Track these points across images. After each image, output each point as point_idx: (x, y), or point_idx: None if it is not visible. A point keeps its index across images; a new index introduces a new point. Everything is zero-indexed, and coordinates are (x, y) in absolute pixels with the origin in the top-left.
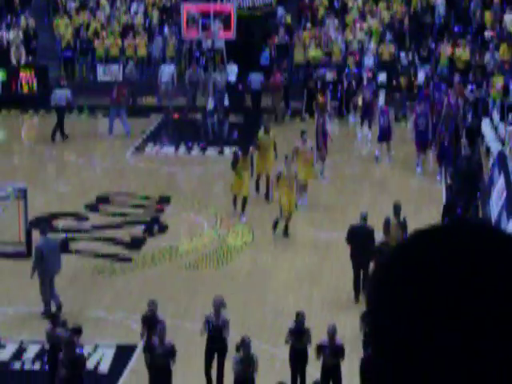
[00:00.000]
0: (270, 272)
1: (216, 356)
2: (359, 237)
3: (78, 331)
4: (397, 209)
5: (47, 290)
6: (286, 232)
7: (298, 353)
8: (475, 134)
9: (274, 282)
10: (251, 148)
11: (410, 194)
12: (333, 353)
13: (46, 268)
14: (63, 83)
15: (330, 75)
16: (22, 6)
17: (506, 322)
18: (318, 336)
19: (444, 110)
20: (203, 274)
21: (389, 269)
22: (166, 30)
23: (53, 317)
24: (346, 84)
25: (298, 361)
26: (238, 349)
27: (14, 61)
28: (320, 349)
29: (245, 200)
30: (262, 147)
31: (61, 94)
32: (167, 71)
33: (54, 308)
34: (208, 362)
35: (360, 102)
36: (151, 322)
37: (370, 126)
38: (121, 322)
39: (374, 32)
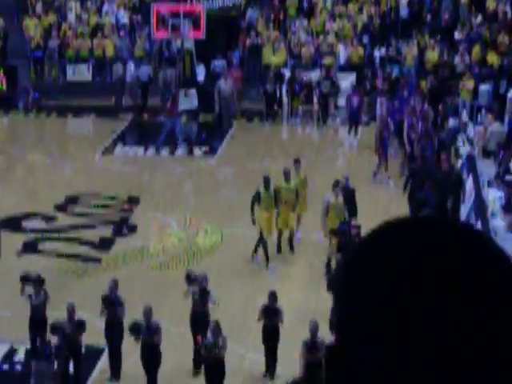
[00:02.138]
0: (240, 272)
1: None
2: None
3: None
4: None
5: None
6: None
7: (270, 331)
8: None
9: (244, 282)
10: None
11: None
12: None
13: None
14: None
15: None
16: None
17: (472, 323)
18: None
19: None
20: (172, 274)
21: (354, 263)
22: (136, 30)
23: None
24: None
25: (270, 338)
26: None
27: None
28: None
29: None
30: (283, 199)
31: (218, 62)
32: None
33: None
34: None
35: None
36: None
37: (356, 133)
38: (88, 323)
39: (344, 34)
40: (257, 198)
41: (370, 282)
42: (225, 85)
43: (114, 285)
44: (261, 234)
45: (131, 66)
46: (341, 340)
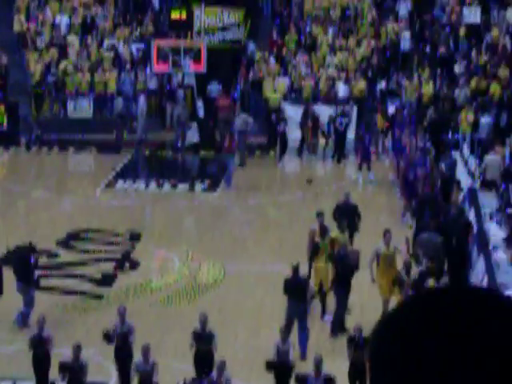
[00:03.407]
0: (242, 307)
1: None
2: (344, 212)
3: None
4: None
5: None
6: None
7: (201, 356)
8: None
9: (247, 318)
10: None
11: None
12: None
13: None
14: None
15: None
16: None
17: None
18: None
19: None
20: (175, 310)
21: (385, 331)
22: (137, 65)
23: None
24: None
25: (202, 364)
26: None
27: None
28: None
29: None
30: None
31: (213, 87)
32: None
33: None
34: (198, 373)
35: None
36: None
37: (369, 169)
38: (92, 359)
39: (345, 67)
40: (316, 249)
41: (396, 360)
42: (238, 118)
43: (124, 311)
44: (321, 286)
45: (142, 99)
46: None
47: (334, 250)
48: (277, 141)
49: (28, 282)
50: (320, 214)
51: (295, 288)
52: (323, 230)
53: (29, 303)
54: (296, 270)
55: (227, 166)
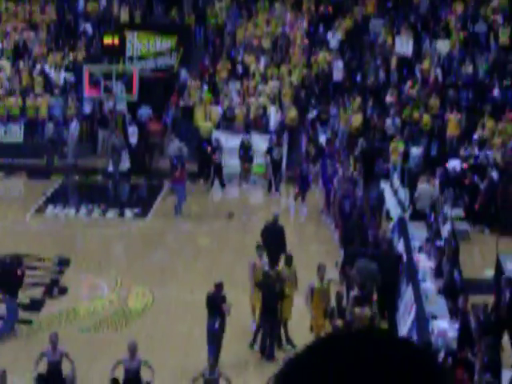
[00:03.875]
0: (170, 334)
1: None
2: (271, 234)
3: None
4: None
5: None
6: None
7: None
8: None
9: (175, 345)
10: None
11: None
12: None
13: None
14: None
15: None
16: None
17: None
18: None
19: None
20: (103, 336)
21: (288, 376)
22: (68, 90)
23: None
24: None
25: None
26: None
27: None
28: None
29: (285, 324)
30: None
31: (144, 111)
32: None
33: None
34: None
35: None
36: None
37: (303, 199)
38: None
39: (276, 96)
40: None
41: None
42: (172, 144)
43: (56, 338)
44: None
45: (73, 124)
46: None
47: (261, 279)
48: (208, 169)
49: (13, 295)
50: (260, 247)
51: (214, 304)
52: (288, 259)
53: (13, 311)
54: (218, 286)
55: (178, 196)
